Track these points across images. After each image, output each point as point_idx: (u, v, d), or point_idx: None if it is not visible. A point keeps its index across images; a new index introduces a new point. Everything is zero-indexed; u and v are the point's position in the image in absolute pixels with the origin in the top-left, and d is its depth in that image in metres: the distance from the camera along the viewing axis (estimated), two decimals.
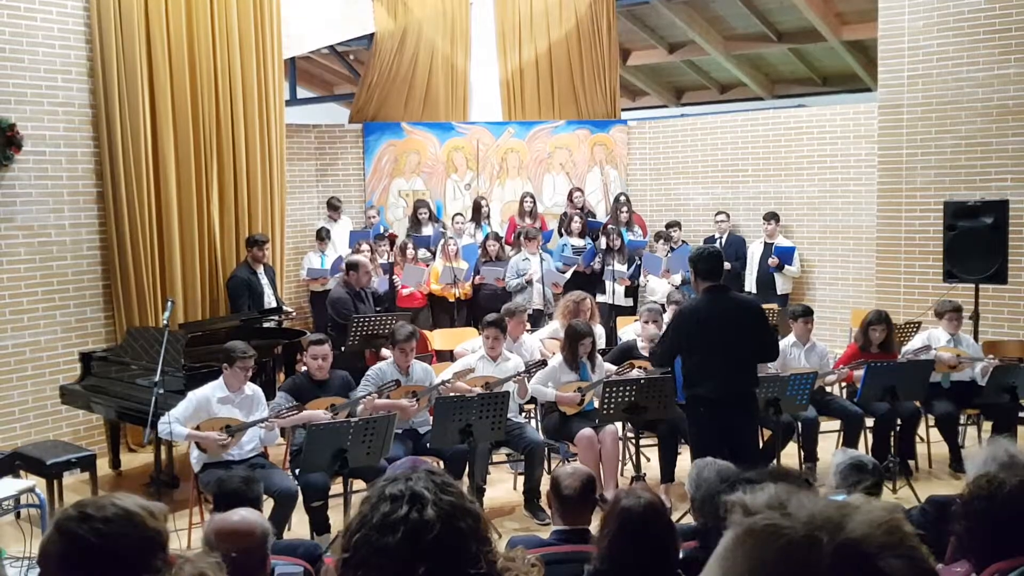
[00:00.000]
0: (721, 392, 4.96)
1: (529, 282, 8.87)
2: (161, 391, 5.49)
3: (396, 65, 10.68)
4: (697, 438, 5.15)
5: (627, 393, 5.66)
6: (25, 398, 6.75)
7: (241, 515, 2.93)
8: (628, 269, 9.37)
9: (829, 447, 6.29)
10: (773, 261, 9.38)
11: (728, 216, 9.96)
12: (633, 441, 5.99)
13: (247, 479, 3.80)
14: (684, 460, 6.25)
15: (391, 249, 9.44)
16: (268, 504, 4.55)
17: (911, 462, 6.46)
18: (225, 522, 2.89)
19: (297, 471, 5.30)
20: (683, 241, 10.05)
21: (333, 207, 10.01)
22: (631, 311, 9.38)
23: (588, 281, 9.20)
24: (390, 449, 5.21)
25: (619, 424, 6.07)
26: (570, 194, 10.28)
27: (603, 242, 9.31)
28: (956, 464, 6.38)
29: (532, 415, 6.89)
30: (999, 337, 7.62)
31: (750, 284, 9.57)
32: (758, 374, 5.27)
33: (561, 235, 9.94)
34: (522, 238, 9.19)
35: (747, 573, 0.88)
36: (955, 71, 7.97)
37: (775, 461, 5.78)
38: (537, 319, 8.57)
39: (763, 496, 0.94)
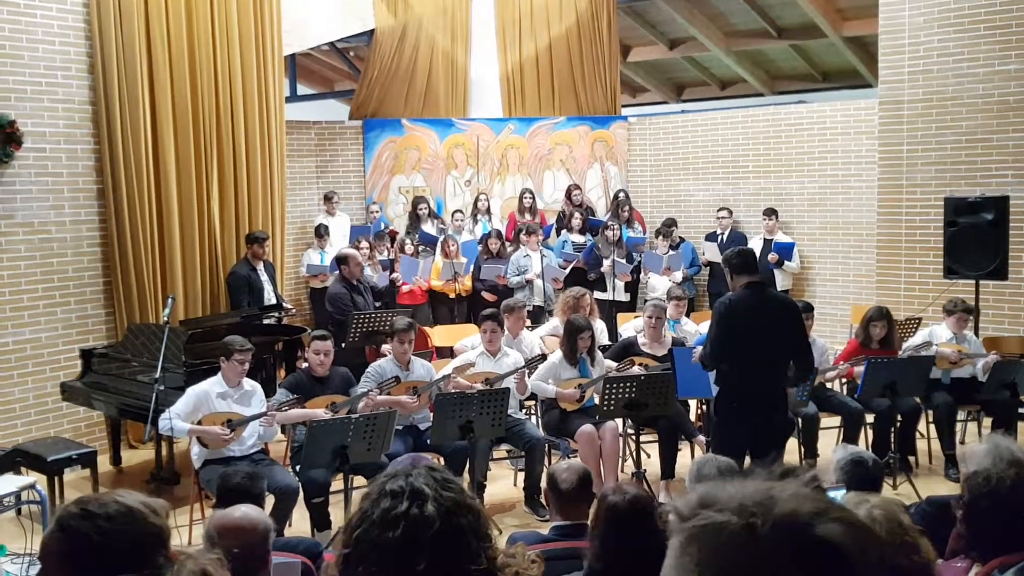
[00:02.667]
0: (756, 388, 4.91)
1: (530, 281, 8.88)
2: (162, 388, 5.50)
3: (396, 61, 10.67)
4: (726, 434, 5.05)
5: (627, 389, 5.66)
6: (26, 395, 6.75)
7: (243, 511, 2.93)
8: (628, 265, 9.37)
9: (829, 443, 6.29)
10: (773, 257, 9.38)
11: (730, 212, 9.95)
12: (633, 437, 5.99)
13: (251, 475, 3.81)
14: (684, 456, 6.27)
15: (391, 246, 9.44)
16: (269, 500, 4.56)
17: (911, 458, 6.46)
18: (227, 518, 2.89)
19: (298, 467, 5.30)
20: (681, 238, 10.05)
21: (328, 199, 9.98)
22: (631, 307, 9.39)
23: (588, 280, 9.20)
24: (391, 445, 5.22)
25: (619, 420, 6.07)
26: (568, 191, 10.28)
27: (607, 236, 9.28)
28: (951, 469, 6.27)
29: (532, 411, 6.89)
30: (999, 333, 7.62)
31: None
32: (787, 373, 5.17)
33: (559, 232, 9.94)
34: (522, 234, 9.19)
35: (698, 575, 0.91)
36: (956, 67, 7.96)
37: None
38: (538, 316, 8.57)
39: (693, 497, 0.96)
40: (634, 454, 5.97)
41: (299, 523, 5.30)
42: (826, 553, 0.86)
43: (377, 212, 10.22)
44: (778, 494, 0.92)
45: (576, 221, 9.70)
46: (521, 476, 6.09)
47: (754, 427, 4.88)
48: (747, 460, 4.82)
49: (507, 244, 9.49)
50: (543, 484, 5.33)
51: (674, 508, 0.97)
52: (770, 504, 0.90)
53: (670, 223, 10.05)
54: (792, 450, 6.31)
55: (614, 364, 6.32)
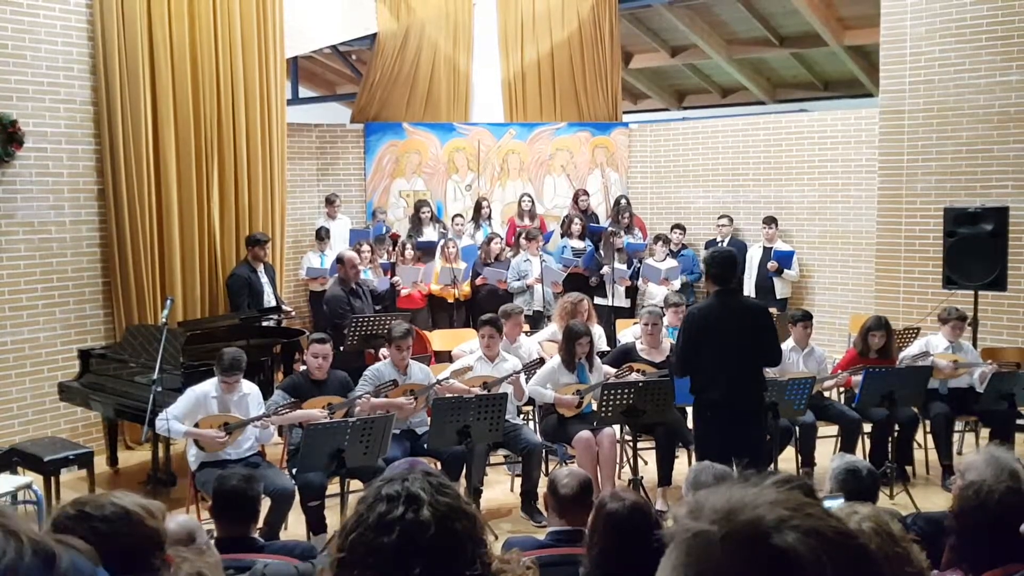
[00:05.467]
0: (729, 396, 4.93)
1: (531, 286, 8.89)
2: (159, 389, 5.50)
3: (398, 65, 10.68)
4: (703, 442, 5.11)
5: (625, 396, 5.65)
6: (24, 394, 6.75)
7: (176, 521, 2.97)
8: (627, 269, 9.38)
9: (827, 452, 6.30)
10: (772, 265, 9.39)
11: (731, 220, 9.96)
12: (631, 444, 5.99)
13: (247, 478, 3.79)
14: (681, 463, 6.26)
15: (393, 249, 9.44)
16: (265, 503, 4.54)
17: (908, 468, 6.45)
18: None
19: (294, 470, 5.30)
20: (683, 244, 10.06)
21: (330, 202, 9.98)
22: (630, 313, 9.39)
23: (587, 285, 9.20)
24: (387, 449, 5.21)
25: (617, 427, 6.07)
26: (575, 196, 10.29)
27: (612, 243, 9.29)
28: (948, 479, 6.17)
29: (530, 417, 6.88)
30: (998, 344, 7.62)
31: (749, 288, 9.56)
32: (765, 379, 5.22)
33: (562, 236, 9.95)
34: (522, 239, 9.20)
35: None
36: (957, 77, 7.97)
37: (772, 465, 5.78)
38: (537, 320, 8.57)
39: (687, 502, 0.99)
40: (631, 460, 5.97)
41: (295, 526, 5.30)
42: (779, 562, 0.88)
43: (384, 216, 10.21)
44: (751, 501, 0.94)
45: (576, 227, 9.71)
46: (518, 481, 6.08)
47: (725, 435, 4.90)
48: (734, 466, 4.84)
49: (507, 249, 9.49)
50: (540, 490, 5.34)
51: (672, 512, 1.00)
52: (738, 511, 0.92)
53: (675, 227, 10.06)
54: (790, 458, 6.31)
55: (612, 370, 6.32)
